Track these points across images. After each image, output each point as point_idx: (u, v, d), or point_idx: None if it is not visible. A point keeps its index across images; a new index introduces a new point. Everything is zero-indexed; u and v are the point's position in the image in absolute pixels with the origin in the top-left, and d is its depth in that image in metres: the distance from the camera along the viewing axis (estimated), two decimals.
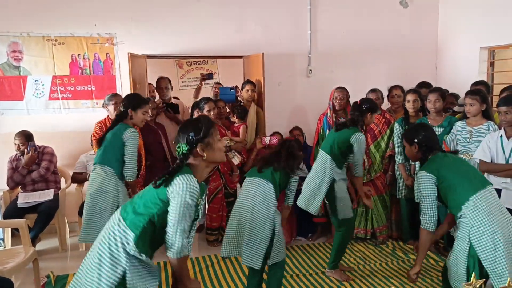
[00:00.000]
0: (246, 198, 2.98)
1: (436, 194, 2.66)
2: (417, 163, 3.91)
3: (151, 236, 1.93)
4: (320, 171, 3.53)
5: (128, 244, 1.90)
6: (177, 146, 1.97)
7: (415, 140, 2.81)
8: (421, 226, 2.77)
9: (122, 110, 3.47)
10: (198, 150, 1.98)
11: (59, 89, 4.80)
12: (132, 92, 4.51)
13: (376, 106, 3.64)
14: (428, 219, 2.71)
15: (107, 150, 3.39)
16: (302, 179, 4.70)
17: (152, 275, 2.00)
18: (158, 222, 1.92)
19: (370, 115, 3.55)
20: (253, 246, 2.87)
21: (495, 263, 2.39)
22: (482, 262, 2.43)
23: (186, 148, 1.95)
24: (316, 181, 3.53)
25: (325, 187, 3.49)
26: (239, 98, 5.04)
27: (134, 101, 3.50)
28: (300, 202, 3.62)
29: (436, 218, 2.70)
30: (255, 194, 2.96)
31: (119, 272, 1.89)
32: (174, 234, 1.88)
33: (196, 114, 4.64)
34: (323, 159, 3.56)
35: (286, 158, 3.06)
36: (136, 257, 1.92)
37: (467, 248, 2.48)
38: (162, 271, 3.73)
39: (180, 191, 1.85)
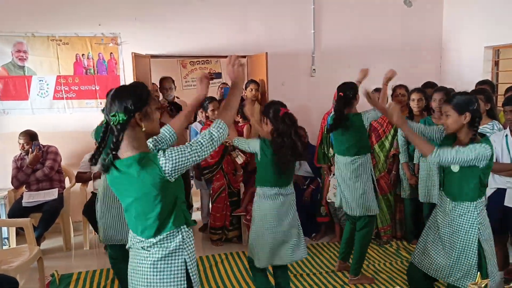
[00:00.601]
0: (287, 209, 2.91)
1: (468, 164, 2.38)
2: (422, 162, 3.93)
3: (179, 206, 1.84)
4: (359, 174, 3.43)
5: (174, 239, 1.82)
6: (112, 114, 1.72)
7: (470, 108, 2.40)
8: (435, 151, 2.38)
9: None
10: (136, 119, 1.76)
11: (64, 88, 4.82)
12: None
13: (355, 85, 3.49)
14: (443, 161, 2.37)
15: None
16: (306, 178, 4.73)
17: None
18: (169, 197, 1.79)
19: (357, 97, 3.46)
20: (302, 240, 2.98)
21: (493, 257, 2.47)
22: (486, 257, 2.45)
23: (125, 118, 1.72)
24: (361, 185, 3.44)
25: (372, 184, 3.48)
26: (244, 98, 5.03)
27: None
28: (357, 212, 3.49)
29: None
30: (293, 199, 2.98)
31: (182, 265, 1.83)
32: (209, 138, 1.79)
33: (200, 114, 4.66)
34: (355, 161, 3.42)
35: (302, 145, 2.90)
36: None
37: (476, 242, 2.44)
38: None
39: (168, 157, 1.71)
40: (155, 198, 1.75)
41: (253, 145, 2.90)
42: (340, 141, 3.52)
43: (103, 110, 1.83)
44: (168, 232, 1.81)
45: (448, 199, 2.56)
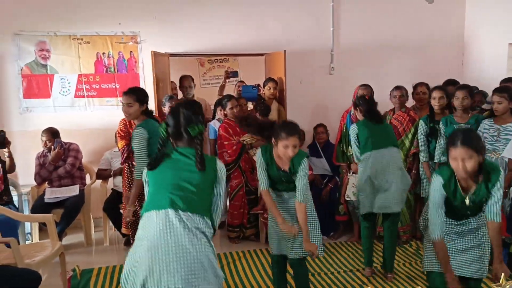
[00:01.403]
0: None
1: None
2: (442, 161, 3.86)
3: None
4: (394, 168, 3.46)
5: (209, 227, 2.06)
6: (193, 127, 2.07)
7: None
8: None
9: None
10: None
11: (85, 87, 4.91)
12: (155, 89, 4.56)
13: None
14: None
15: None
16: (323, 177, 4.71)
17: None
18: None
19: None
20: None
21: None
22: None
23: (203, 128, 2.14)
24: (398, 179, 3.46)
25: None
26: (262, 96, 5.03)
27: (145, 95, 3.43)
28: (397, 208, 3.49)
29: None
30: None
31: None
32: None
33: (219, 112, 4.68)
34: (389, 155, 3.45)
35: None
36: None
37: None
38: None
39: (224, 175, 2.13)
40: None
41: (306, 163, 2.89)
42: (380, 134, 3.51)
43: (165, 125, 2.11)
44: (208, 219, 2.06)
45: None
